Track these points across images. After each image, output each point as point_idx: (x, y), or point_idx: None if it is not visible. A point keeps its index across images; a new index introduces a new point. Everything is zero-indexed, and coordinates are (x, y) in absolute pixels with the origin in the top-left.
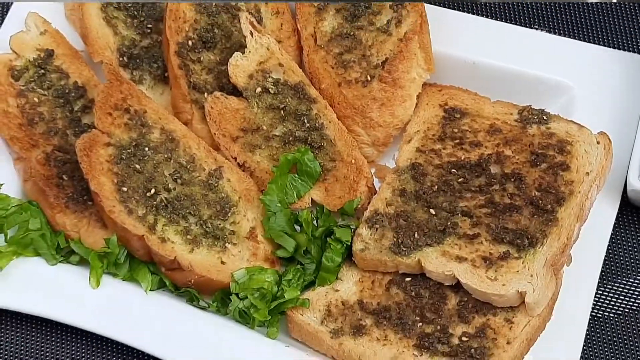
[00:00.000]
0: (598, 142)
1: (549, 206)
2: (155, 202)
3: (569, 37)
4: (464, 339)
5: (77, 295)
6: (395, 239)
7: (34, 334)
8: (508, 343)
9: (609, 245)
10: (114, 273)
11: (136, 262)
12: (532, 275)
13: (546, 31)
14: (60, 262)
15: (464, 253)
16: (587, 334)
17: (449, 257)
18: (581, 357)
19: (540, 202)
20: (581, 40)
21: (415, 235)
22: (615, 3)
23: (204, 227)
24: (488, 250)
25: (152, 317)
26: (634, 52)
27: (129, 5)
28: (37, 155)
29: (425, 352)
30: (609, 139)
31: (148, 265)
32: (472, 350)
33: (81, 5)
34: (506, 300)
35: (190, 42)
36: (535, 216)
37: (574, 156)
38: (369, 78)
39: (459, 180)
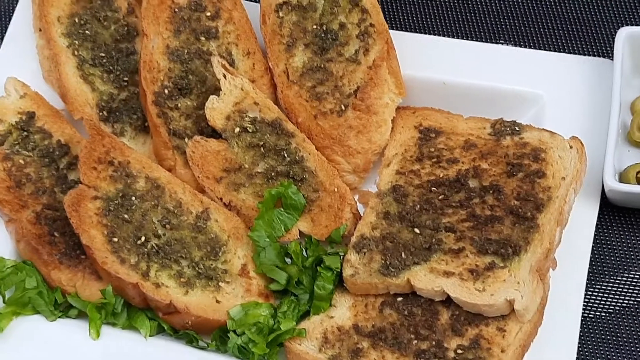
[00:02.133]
0: (571, 147)
1: (529, 214)
2: (146, 249)
3: (534, 48)
4: (459, 351)
5: (78, 348)
6: (383, 261)
7: None
8: (502, 351)
9: (594, 246)
10: (113, 322)
11: (134, 310)
12: (519, 283)
13: (511, 45)
14: (59, 317)
15: (451, 268)
16: (581, 335)
17: (437, 273)
18: (577, 357)
19: (520, 210)
20: (546, 49)
21: (403, 255)
22: (577, 10)
23: (197, 268)
24: (474, 263)
25: None
26: (599, 56)
27: (104, 60)
28: (27, 216)
29: None
30: (582, 143)
31: (145, 311)
32: None
33: (58, 66)
34: (496, 309)
35: (166, 91)
36: (517, 225)
37: (549, 163)
38: (343, 107)
39: (440, 197)
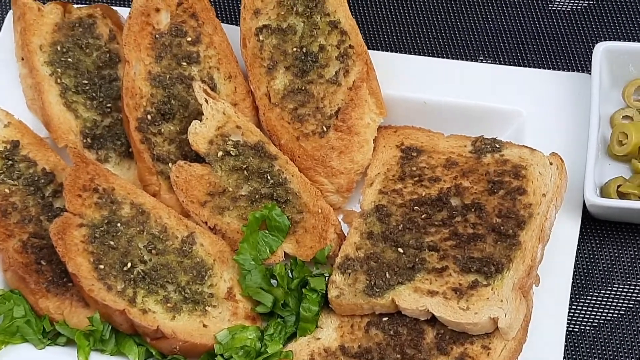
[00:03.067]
0: (551, 163)
1: (511, 231)
2: (132, 276)
3: (513, 64)
4: None
5: None
6: (368, 282)
7: None
8: None
9: (577, 260)
10: (101, 349)
11: (122, 336)
12: (502, 301)
13: (490, 62)
14: (47, 345)
15: (435, 287)
16: (566, 348)
17: (421, 292)
18: None
19: (501, 228)
20: (525, 66)
21: (387, 275)
22: (554, 26)
23: (183, 293)
24: (457, 281)
25: None
26: (577, 71)
27: (87, 88)
28: (13, 245)
29: None
30: (561, 159)
31: (133, 337)
32: None
33: (41, 94)
34: (480, 327)
35: (149, 117)
36: (499, 242)
37: (529, 179)
38: (325, 129)
39: (423, 216)
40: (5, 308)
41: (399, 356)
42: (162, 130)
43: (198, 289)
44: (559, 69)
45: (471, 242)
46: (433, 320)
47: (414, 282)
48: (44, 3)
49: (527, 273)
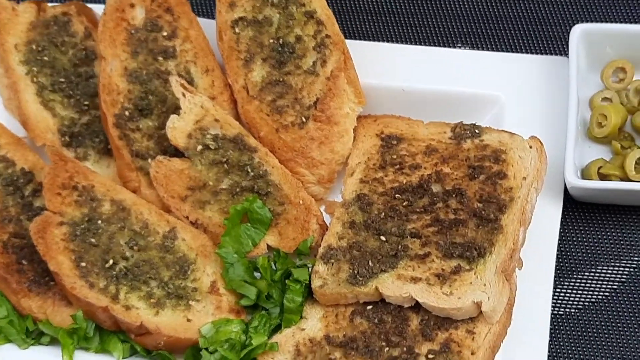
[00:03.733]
0: (530, 147)
1: (492, 215)
2: (115, 272)
3: (490, 50)
4: (430, 356)
5: None
6: (351, 271)
7: None
8: (473, 354)
9: (561, 243)
10: (86, 347)
11: (106, 333)
12: (485, 285)
13: (468, 48)
14: (31, 345)
15: (418, 273)
16: (551, 332)
17: (404, 279)
18: (549, 355)
19: (483, 212)
20: (502, 51)
21: (370, 263)
22: (530, 9)
23: (166, 288)
24: (440, 267)
25: None
26: (555, 54)
27: (64, 86)
28: None
29: None
30: (541, 142)
31: (118, 334)
32: None
33: (17, 94)
34: (464, 312)
35: (127, 113)
36: (481, 227)
37: (509, 163)
38: (304, 120)
39: (404, 203)
40: None
41: (384, 344)
42: (141, 126)
43: (181, 283)
44: (536, 53)
45: (453, 227)
46: (417, 307)
47: (397, 270)
48: (18, 2)
49: (510, 256)
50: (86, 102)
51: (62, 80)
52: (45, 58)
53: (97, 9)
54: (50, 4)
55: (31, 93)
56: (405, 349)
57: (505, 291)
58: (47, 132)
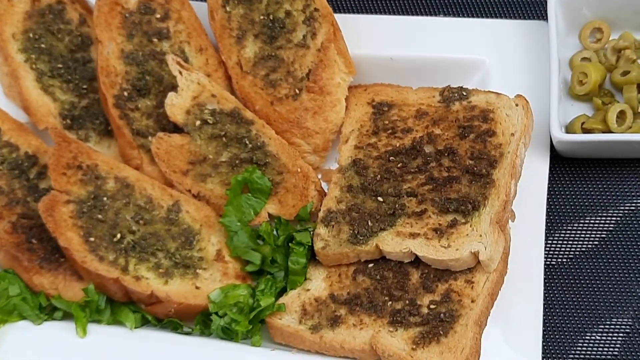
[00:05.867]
0: (517, 105)
1: (484, 170)
2: (123, 246)
3: (473, 17)
4: (432, 307)
5: (68, 348)
6: (351, 231)
7: None
8: (472, 301)
9: (550, 197)
10: (98, 319)
11: (117, 305)
12: (481, 235)
13: (451, 16)
14: (45, 320)
15: (416, 229)
16: (545, 281)
17: (403, 236)
18: (544, 303)
19: (475, 168)
20: (484, 17)
21: (369, 223)
22: None
23: (173, 259)
24: (437, 222)
25: (143, 351)
26: (534, 18)
27: (62, 71)
28: (3, 226)
29: (399, 326)
30: (526, 100)
31: (128, 305)
32: (442, 315)
33: (17, 81)
34: (462, 263)
35: (125, 93)
36: (473, 182)
37: (497, 121)
38: (297, 91)
39: (399, 165)
40: (1, 287)
41: (387, 298)
42: (139, 105)
43: (187, 253)
44: (517, 18)
45: (447, 184)
46: (417, 262)
47: (396, 227)
48: None
49: (503, 208)
50: (85, 86)
51: (60, 66)
52: (43, 45)
53: None
54: None
55: (31, 79)
56: (407, 301)
57: (501, 241)
58: (48, 116)
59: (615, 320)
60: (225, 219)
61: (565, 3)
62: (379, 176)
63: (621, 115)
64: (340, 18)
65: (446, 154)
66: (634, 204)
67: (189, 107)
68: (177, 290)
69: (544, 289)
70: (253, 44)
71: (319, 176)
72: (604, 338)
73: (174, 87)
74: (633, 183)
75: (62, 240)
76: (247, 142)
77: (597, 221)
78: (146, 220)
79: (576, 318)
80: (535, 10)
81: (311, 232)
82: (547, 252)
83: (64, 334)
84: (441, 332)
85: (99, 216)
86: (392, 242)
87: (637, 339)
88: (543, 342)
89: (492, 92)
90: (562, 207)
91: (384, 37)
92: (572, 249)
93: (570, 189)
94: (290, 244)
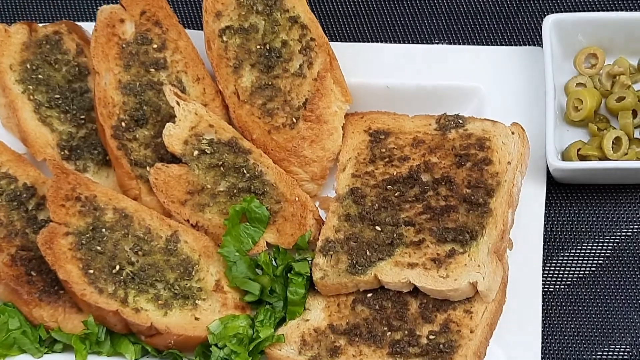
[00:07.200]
0: (513, 133)
1: (481, 199)
2: (122, 277)
3: (467, 44)
4: (431, 337)
5: None
6: (350, 261)
7: None
8: (471, 332)
9: (547, 223)
10: (98, 351)
11: (117, 337)
12: (479, 266)
13: (446, 43)
14: (45, 353)
15: (414, 259)
16: (543, 308)
17: (402, 265)
18: (543, 330)
19: (472, 197)
20: (479, 44)
21: (367, 252)
22: (503, 2)
23: (172, 289)
24: (435, 252)
25: None
26: (529, 44)
27: (60, 102)
28: (2, 259)
29: (398, 357)
30: (522, 128)
31: (128, 336)
32: (441, 345)
33: (15, 112)
34: (461, 293)
35: (123, 124)
36: (471, 211)
37: (494, 150)
38: (294, 120)
39: (396, 194)
40: (0, 321)
41: (386, 328)
42: (137, 135)
43: (186, 284)
44: (512, 45)
45: (444, 213)
46: (416, 292)
47: (394, 257)
48: (9, 24)
49: (501, 237)
50: (82, 116)
51: (58, 96)
52: (40, 76)
53: (87, 27)
54: (40, 24)
55: (29, 110)
56: (406, 332)
57: (499, 270)
58: (46, 147)
59: (613, 347)
60: (224, 249)
61: (560, 29)
62: (376, 205)
63: (617, 141)
64: (336, 46)
65: (443, 183)
66: (630, 230)
67: (186, 137)
68: (176, 321)
69: (542, 316)
70: (250, 74)
71: (317, 204)
72: None
73: (171, 117)
74: (630, 209)
75: (61, 273)
76: (245, 171)
77: (594, 247)
78: (145, 251)
79: (574, 345)
80: (530, 36)
81: (310, 262)
82: (544, 279)
83: None
84: None
85: (98, 248)
86: (391, 272)
87: None
88: None
89: (488, 119)
90: (559, 233)
91: (380, 65)
92: (570, 276)
93: (567, 215)
94: (289, 274)
